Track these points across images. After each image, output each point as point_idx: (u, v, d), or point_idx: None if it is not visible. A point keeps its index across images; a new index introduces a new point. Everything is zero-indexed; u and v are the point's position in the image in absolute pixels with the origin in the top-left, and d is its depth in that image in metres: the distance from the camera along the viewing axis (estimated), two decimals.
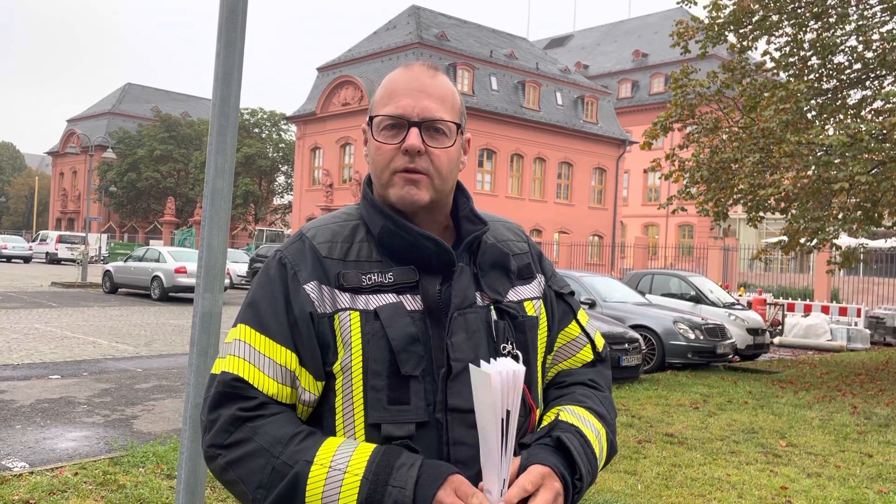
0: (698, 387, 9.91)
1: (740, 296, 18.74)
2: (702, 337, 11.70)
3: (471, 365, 1.16)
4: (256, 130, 54.89)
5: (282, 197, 61.05)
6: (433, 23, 38.96)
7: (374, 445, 1.19)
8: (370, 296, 1.27)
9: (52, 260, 44.00)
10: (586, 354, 1.51)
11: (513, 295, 1.39)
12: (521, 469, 1.19)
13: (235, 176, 51.54)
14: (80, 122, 69.00)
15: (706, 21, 12.50)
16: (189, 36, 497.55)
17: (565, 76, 42.41)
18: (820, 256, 20.35)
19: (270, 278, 1.30)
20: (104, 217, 63.62)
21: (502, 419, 1.11)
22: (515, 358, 1.33)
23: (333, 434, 1.25)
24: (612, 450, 1.41)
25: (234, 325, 1.30)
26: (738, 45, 12.42)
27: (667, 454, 6.28)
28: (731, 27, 12.25)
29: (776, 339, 16.58)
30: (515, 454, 1.22)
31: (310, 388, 1.25)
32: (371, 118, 1.33)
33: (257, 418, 1.21)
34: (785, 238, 12.80)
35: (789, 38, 12.10)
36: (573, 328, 1.50)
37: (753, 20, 12.09)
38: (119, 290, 23.03)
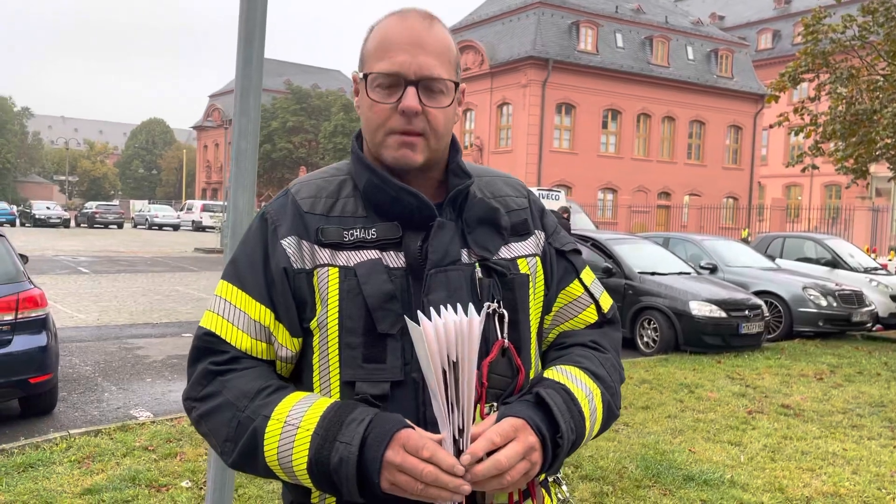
0: (826, 356, 9.26)
1: (889, 260, 17.29)
2: (835, 304, 10.92)
3: (407, 319, 1.11)
4: None
5: None
6: None
7: (332, 401, 1.17)
8: (352, 252, 1.24)
9: (198, 227, 47.13)
10: (590, 315, 1.44)
11: (505, 252, 1.33)
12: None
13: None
14: (220, 97, 72.95)
15: None
16: (321, 10, 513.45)
17: (697, 29, 40.19)
18: None
19: (252, 234, 1.31)
20: None
21: (444, 370, 1.06)
22: (501, 317, 1.29)
23: (311, 392, 1.24)
24: (609, 413, 1.33)
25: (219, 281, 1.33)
26: None
27: (779, 426, 5.95)
28: None
29: None
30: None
31: (287, 344, 1.25)
32: (365, 75, 1.28)
33: (228, 372, 1.22)
34: None
35: None
36: (575, 288, 1.43)
37: None
38: None
